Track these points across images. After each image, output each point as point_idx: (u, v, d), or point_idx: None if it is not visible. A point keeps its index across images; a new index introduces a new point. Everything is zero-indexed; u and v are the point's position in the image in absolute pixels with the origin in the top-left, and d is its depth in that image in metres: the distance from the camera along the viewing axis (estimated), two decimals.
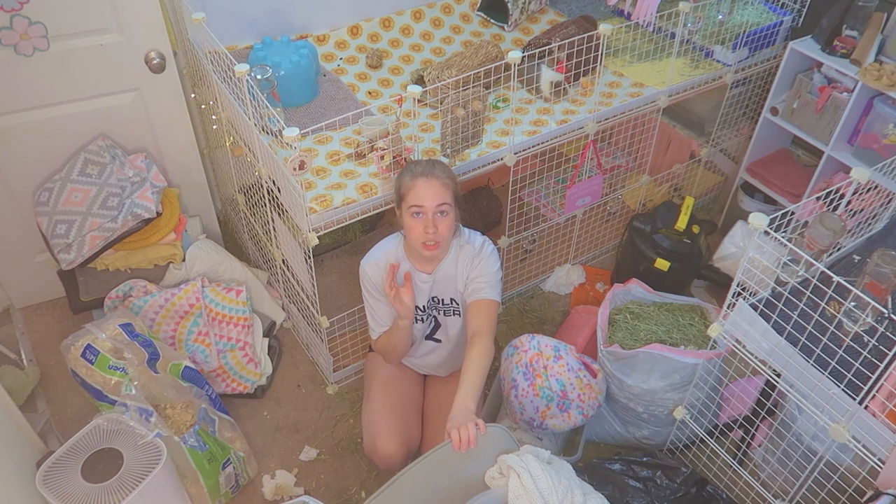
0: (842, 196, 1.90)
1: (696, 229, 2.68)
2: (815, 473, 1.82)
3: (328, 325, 2.34)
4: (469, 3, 2.96)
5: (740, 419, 2.13)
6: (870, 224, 2.07)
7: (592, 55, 2.35)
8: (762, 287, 1.78)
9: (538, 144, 2.39)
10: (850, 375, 1.57)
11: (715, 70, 2.69)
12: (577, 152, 2.73)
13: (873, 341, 1.56)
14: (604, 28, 2.20)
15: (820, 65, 2.59)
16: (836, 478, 1.74)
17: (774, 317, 1.70)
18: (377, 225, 3.03)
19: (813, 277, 1.62)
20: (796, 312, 1.64)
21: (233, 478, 2.21)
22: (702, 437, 2.11)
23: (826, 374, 1.62)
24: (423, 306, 2.07)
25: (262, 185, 2.34)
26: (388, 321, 2.08)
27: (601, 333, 2.27)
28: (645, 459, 2.11)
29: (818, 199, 2.02)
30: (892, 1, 2.42)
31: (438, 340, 2.16)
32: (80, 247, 2.35)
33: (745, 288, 1.76)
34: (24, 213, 2.54)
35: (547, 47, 2.49)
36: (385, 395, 2.10)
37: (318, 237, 2.06)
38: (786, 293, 1.73)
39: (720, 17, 2.66)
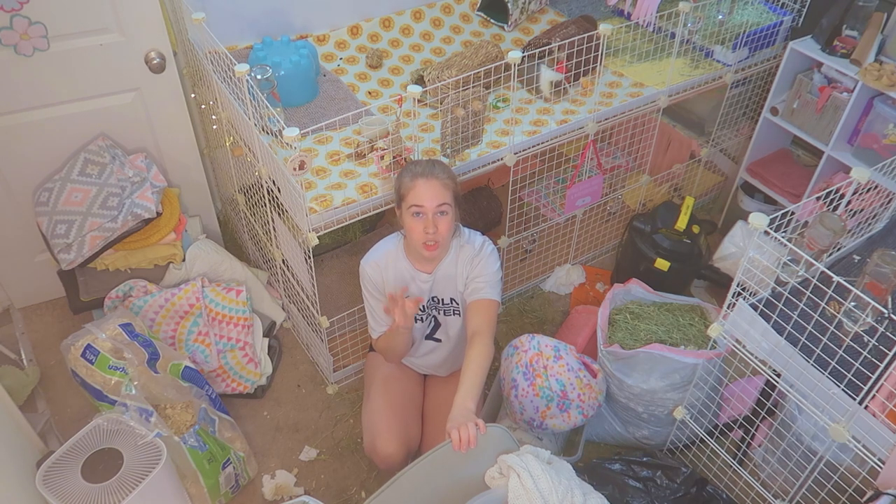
0: (842, 196, 1.90)
1: (696, 229, 2.68)
2: (815, 473, 1.82)
3: (328, 325, 2.34)
4: (469, 3, 2.96)
5: (740, 419, 2.13)
6: (870, 224, 2.07)
7: (592, 55, 2.35)
8: (762, 287, 1.78)
9: (538, 144, 2.39)
10: (850, 375, 1.57)
11: (715, 70, 2.69)
12: (577, 152, 2.73)
13: (873, 341, 1.56)
14: (604, 28, 2.20)
15: (820, 65, 2.59)
16: (836, 478, 1.74)
17: (774, 317, 1.70)
18: (377, 225, 3.03)
19: (813, 277, 1.62)
20: (796, 312, 1.64)
21: (233, 478, 2.21)
22: (702, 437, 2.11)
23: (826, 374, 1.62)
24: (423, 306, 2.07)
25: (262, 185, 2.34)
26: (388, 320, 2.08)
27: (601, 333, 2.27)
28: (645, 459, 2.11)
29: (818, 199, 2.02)
30: (892, 1, 2.42)
31: (438, 340, 2.16)
32: (80, 247, 2.35)
33: (745, 288, 1.76)
34: (24, 213, 2.54)
35: (547, 47, 2.49)
36: (385, 395, 2.10)
37: (318, 237, 2.06)
38: (786, 293, 1.73)
39: (720, 17, 2.66)
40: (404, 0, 2.84)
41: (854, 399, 1.57)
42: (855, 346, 1.60)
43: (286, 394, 2.57)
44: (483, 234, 2.09)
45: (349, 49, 2.74)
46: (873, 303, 1.55)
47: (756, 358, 1.78)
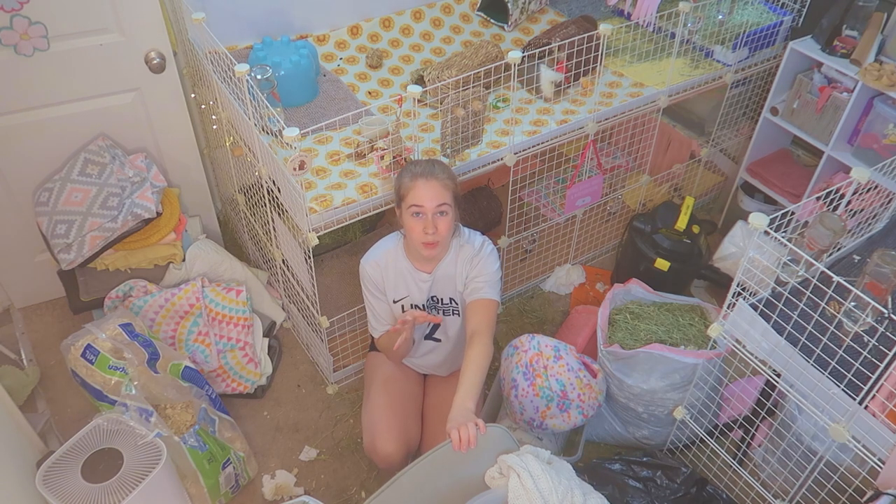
0: (842, 196, 1.90)
1: (696, 229, 2.68)
2: (815, 473, 1.82)
3: (328, 325, 2.34)
4: (469, 3, 2.96)
5: (740, 419, 2.13)
6: (870, 224, 2.07)
7: (592, 55, 2.35)
8: (762, 287, 1.78)
9: (538, 144, 2.39)
10: (850, 375, 1.57)
11: (715, 70, 2.69)
12: (577, 152, 2.73)
13: (873, 341, 1.56)
14: (604, 28, 2.20)
15: (820, 65, 2.59)
16: (836, 478, 1.74)
17: (774, 317, 1.70)
18: (377, 225, 3.04)
19: (813, 277, 1.62)
20: (796, 312, 1.64)
21: (233, 478, 2.21)
22: (702, 437, 2.11)
23: (826, 374, 1.62)
24: (423, 306, 2.07)
25: (262, 185, 2.34)
26: (389, 319, 2.09)
27: (601, 333, 2.27)
28: (645, 459, 2.11)
29: (818, 199, 2.02)
30: (892, 1, 2.42)
31: (438, 340, 2.16)
32: (80, 247, 2.35)
33: (745, 288, 1.76)
34: (24, 213, 2.54)
35: (547, 47, 2.49)
36: (385, 395, 2.10)
37: (318, 237, 2.06)
38: (786, 293, 1.73)
39: (720, 17, 2.66)
40: (404, 0, 2.84)
41: (854, 399, 1.57)
42: (855, 346, 1.60)
43: (286, 394, 2.57)
44: (483, 234, 2.09)
45: (349, 49, 2.74)
46: (873, 303, 1.55)
47: (756, 358, 1.78)
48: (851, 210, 2.02)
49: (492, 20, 2.94)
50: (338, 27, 2.77)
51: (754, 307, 1.78)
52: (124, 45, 2.35)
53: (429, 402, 2.21)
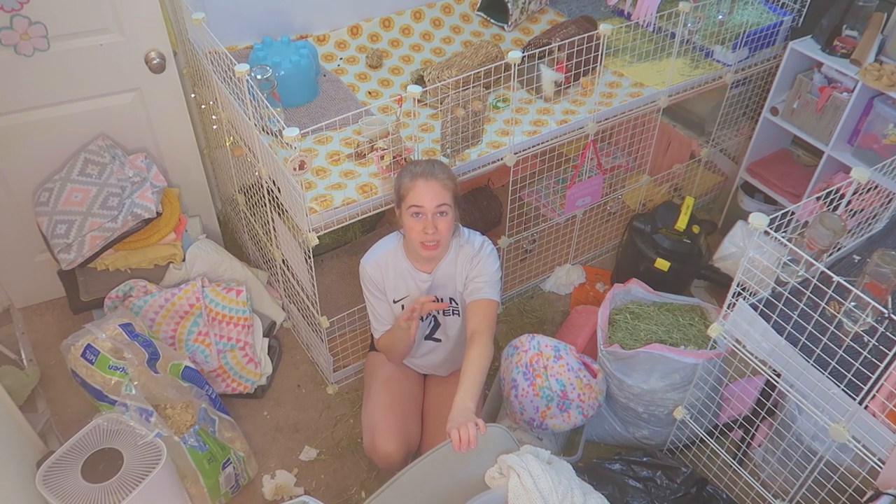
0: (842, 196, 1.90)
1: (696, 229, 2.68)
2: (815, 473, 1.82)
3: (328, 325, 2.34)
4: (469, 3, 2.96)
5: (740, 419, 2.13)
6: (870, 224, 2.07)
7: (592, 55, 2.35)
8: (762, 287, 1.78)
9: (538, 144, 2.39)
10: (850, 375, 1.57)
11: (715, 70, 2.69)
12: (577, 152, 2.73)
13: (873, 341, 1.56)
14: (604, 28, 2.20)
15: (820, 65, 2.59)
16: (836, 478, 1.74)
17: (774, 317, 1.70)
18: (377, 225, 3.04)
19: (813, 277, 1.62)
20: (796, 312, 1.64)
21: (233, 478, 2.21)
22: (702, 437, 2.11)
23: (826, 374, 1.62)
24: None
25: (262, 185, 2.34)
26: (390, 319, 2.09)
27: (601, 333, 2.27)
28: (645, 459, 2.11)
29: (818, 199, 2.02)
30: (893, 1, 2.42)
31: (438, 340, 2.16)
32: (80, 247, 2.35)
33: (745, 288, 1.76)
34: (24, 213, 2.54)
35: (547, 47, 2.49)
36: (385, 395, 2.10)
37: (318, 237, 2.06)
38: (786, 293, 1.73)
39: (720, 17, 2.66)
40: (404, 0, 2.84)
41: (854, 399, 1.57)
42: (855, 346, 1.60)
43: (286, 394, 2.57)
44: (483, 234, 2.09)
45: (349, 49, 2.74)
46: (873, 303, 1.55)
47: (756, 358, 1.78)
48: (851, 210, 2.02)
49: (492, 20, 2.94)
50: (338, 27, 2.77)
51: (754, 307, 1.78)
52: (124, 45, 2.35)
53: (429, 402, 2.21)
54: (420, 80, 2.52)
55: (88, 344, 2.06)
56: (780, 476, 1.96)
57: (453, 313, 2.11)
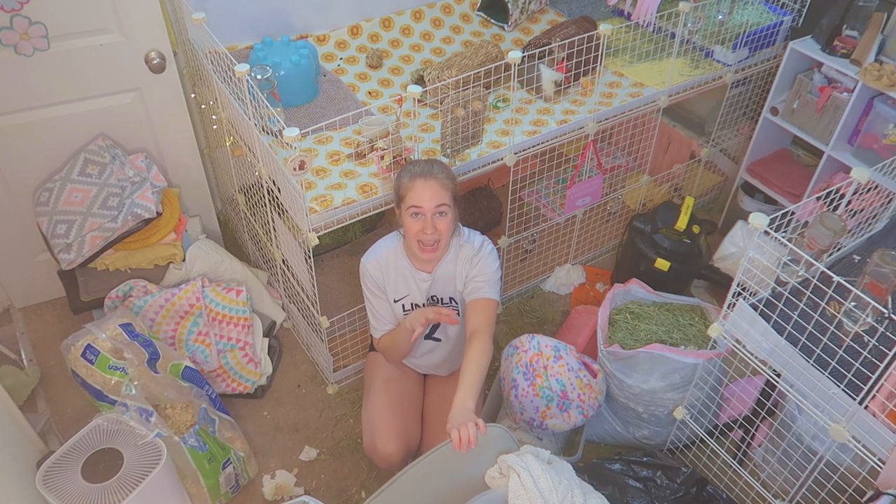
0: (842, 196, 1.90)
1: (696, 229, 2.68)
2: (815, 473, 1.82)
3: (328, 325, 2.34)
4: (469, 3, 2.96)
5: (740, 419, 2.13)
6: (870, 224, 2.07)
7: (592, 55, 2.35)
8: (762, 287, 1.78)
9: (538, 144, 2.39)
10: (850, 375, 1.57)
11: (715, 70, 2.69)
12: (577, 152, 2.73)
13: (873, 341, 1.56)
14: (604, 28, 2.20)
15: (820, 65, 2.59)
16: (836, 478, 1.74)
17: (774, 317, 1.70)
18: (377, 225, 3.04)
19: (813, 277, 1.62)
20: (796, 312, 1.64)
21: (233, 478, 2.21)
22: (702, 437, 2.11)
23: (826, 374, 1.62)
24: (423, 305, 2.07)
25: (262, 185, 2.34)
26: (389, 318, 2.09)
27: (601, 333, 2.27)
28: (645, 459, 2.11)
29: (818, 199, 2.02)
30: (893, 1, 2.42)
31: (438, 339, 2.16)
32: (80, 247, 2.35)
33: (745, 288, 1.76)
34: (24, 213, 2.54)
35: (547, 47, 2.49)
36: (385, 395, 2.10)
37: (318, 237, 2.06)
38: (786, 293, 1.73)
39: (720, 17, 2.66)
40: (404, 0, 2.84)
41: (854, 399, 1.57)
42: (855, 346, 1.60)
43: (286, 394, 2.57)
44: (483, 234, 2.09)
45: (349, 49, 2.74)
46: (873, 303, 1.55)
47: (756, 358, 1.78)
48: (851, 210, 2.02)
49: (492, 20, 2.94)
50: (338, 27, 2.77)
51: (754, 307, 1.78)
52: (124, 45, 2.35)
53: (429, 402, 2.21)
54: (420, 80, 2.52)
55: (88, 344, 2.06)
56: (780, 476, 1.96)
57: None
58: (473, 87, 2.15)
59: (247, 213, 2.77)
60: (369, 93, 2.59)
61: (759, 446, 2.11)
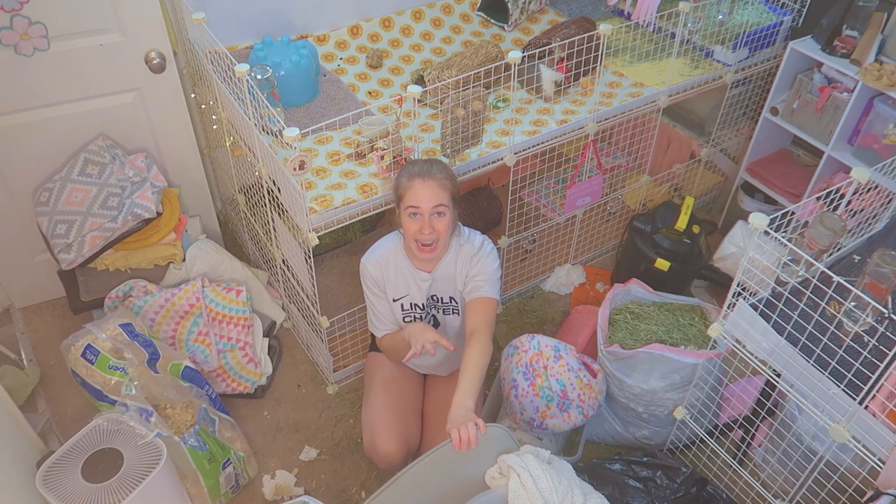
0: (842, 196, 1.90)
1: (696, 229, 2.68)
2: (815, 473, 1.82)
3: (328, 325, 2.34)
4: (469, 3, 2.96)
5: (740, 419, 2.13)
6: (870, 224, 2.07)
7: (592, 55, 2.35)
8: (762, 287, 1.78)
9: (538, 144, 2.39)
10: (850, 375, 1.57)
11: (715, 70, 2.69)
12: (577, 152, 2.73)
13: (873, 341, 1.56)
14: (604, 28, 2.20)
15: (820, 65, 2.59)
16: (836, 478, 1.74)
17: (774, 317, 1.70)
18: (377, 225, 3.04)
19: (813, 277, 1.62)
20: (796, 312, 1.64)
21: (233, 478, 2.21)
22: (702, 437, 2.11)
23: (826, 374, 1.62)
24: (423, 305, 2.07)
25: (262, 185, 2.34)
26: (390, 318, 2.09)
27: (601, 333, 2.27)
28: (645, 459, 2.11)
29: (818, 199, 2.02)
30: (893, 1, 2.42)
31: None
32: (80, 247, 2.35)
33: (745, 288, 1.76)
34: (24, 213, 2.54)
35: (547, 47, 2.49)
36: (385, 395, 2.10)
37: (318, 237, 2.06)
38: (786, 293, 1.73)
39: (720, 17, 2.66)
40: (404, 0, 2.84)
41: (854, 399, 1.57)
42: (855, 346, 1.60)
43: (286, 394, 2.57)
44: (483, 233, 2.09)
45: (349, 49, 2.74)
46: (873, 303, 1.55)
47: (756, 358, 1.78)
48: (851, 210, 2.02)
49: (492, 20, 2.94)
50: (338, 27, 2.77)
51: (754, 307, 1.78)
52: (124, 45, 2.35)
53: (429, 402, 2.21)
54: (420, 80, 2.52)
55: (88, 344, 2.06)
56: (780, 476, 1.96)
57: (453, 312, 2.11)
58: (473, 87, 2.15)
59: (247, 213, 2.77)
60: (369, 93, 2.59)
61: (759, 446, 2.11)
